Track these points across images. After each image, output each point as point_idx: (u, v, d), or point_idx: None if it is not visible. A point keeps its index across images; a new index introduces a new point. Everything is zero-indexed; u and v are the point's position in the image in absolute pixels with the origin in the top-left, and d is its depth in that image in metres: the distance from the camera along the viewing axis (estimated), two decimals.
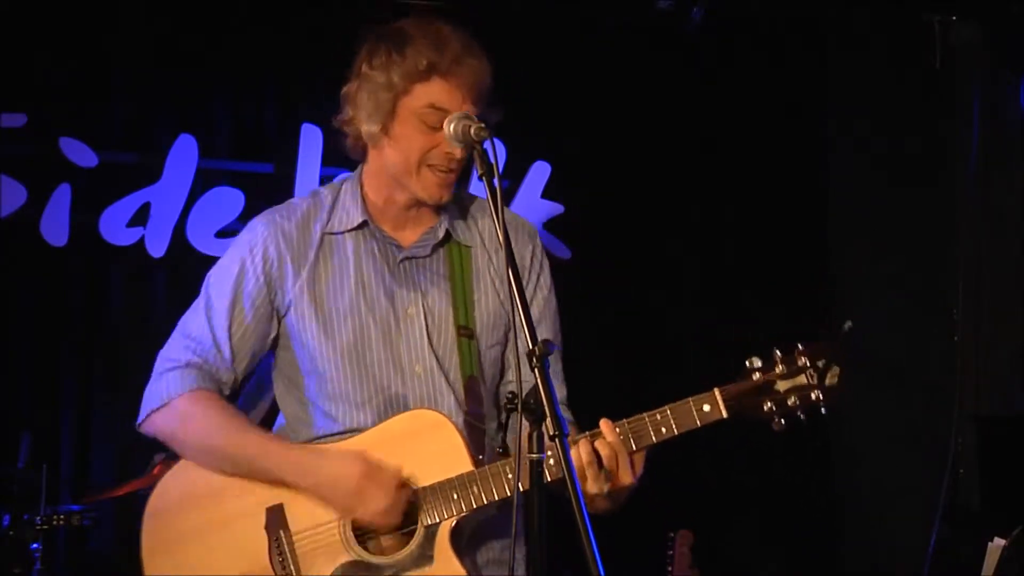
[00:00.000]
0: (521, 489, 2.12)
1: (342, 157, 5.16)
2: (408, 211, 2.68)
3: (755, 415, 2.48)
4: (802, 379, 2.49)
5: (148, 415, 2.69)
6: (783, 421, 2.48)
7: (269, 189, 5.12)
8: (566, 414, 2.69)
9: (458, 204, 2.75)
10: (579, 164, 5.35)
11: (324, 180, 5.12)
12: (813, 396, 2.49)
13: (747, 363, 2.52)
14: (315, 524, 2.54)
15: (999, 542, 3.34)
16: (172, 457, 4.03)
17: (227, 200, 5.06)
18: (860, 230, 5.52)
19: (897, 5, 5.22)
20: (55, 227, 4.86)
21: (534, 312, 2.70)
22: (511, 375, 2.70)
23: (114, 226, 4.93)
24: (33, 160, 4.86)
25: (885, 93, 5.42)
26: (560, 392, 2.74)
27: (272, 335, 2.68)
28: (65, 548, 4.72)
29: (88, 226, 4.90)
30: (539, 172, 5.32)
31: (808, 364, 2.50)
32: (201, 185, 5.03)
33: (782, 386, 2.49)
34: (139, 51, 4.96)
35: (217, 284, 2.69)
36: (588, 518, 2.05)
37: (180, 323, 2.71)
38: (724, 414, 2.49)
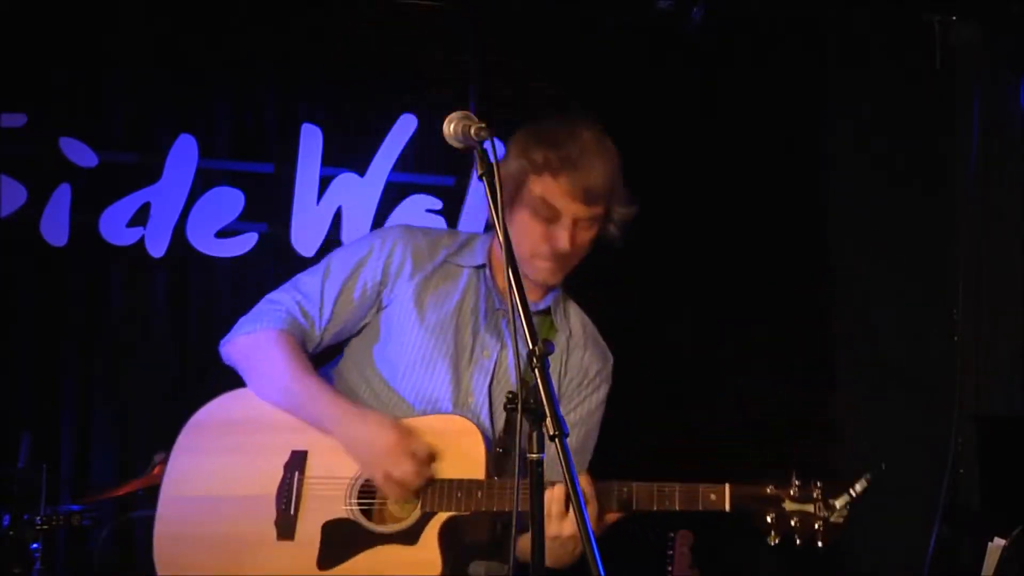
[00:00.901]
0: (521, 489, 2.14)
1: (342, 157, 5.23)
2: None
3: (755, 521, 2.62)
4: (810, 507, 2.61)
5: (235, 337, 2.90)
6: (779, 538, 2.63)
7: (269, 189, 5.13)
8: None
9: (571, 296, 3.01)
10: None
11: (324, 180, 5.13)
12: (815, 526, 2.61)
13: (765, 478, 2.65)
14: (329, 475, 2.73)
15: (999, 542, 3.34)
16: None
17: (227, 200, 5.06)
18: (860, 230, 5.51)
19: (897, 5, 5.22)
20: (55, 227, 4.86)
21: (574, 417, 2.90)
22: None
23: (114, 226, 4.93)
24: (33, 160, 4.87)
25: (885, 93, 5.42)
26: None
27: (365, 321, 2.92)
28: (65, 548, 4.72)
29: (88, 226, 4.91)
30: None
31: (819, 497, 2.61)
32: (201, 185, 5.03)
33: (789, 506, 2.61)
34: (139, 51, 4.97)
35: (341, 256, 2.95)
36: (588, 518, 2.05)
37: (295, 278, 2.96)
38: (727, 508, 2.61)
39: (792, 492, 2.61)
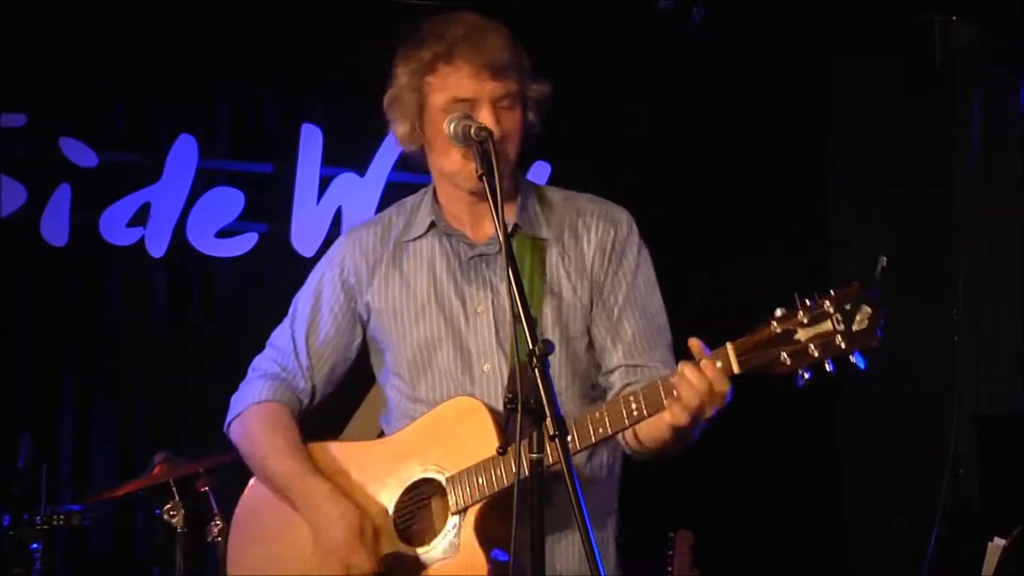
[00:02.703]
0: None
1: (342, 157, 5.23)
2: (476, 207, 2.61)
3: (772, 368, 2.19)
4: (827, 325, 2.17)
5: (230, 423, 2.78)
6: (805, 374, 2.17)
7: (269, 189, 5.13)
8: None
9: (535, 194, 2.71)
10: (579, 164, 5.35)
11: (324, 180, 5.13)
12: (838, 342, 2.15)
13: (770, 315, 2.23)
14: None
15: (999, 542, 3.34)
16: (172, 457, 4.08)
17: (227, 200, 5.06)
18: (860, 230, 5.52)
19: (897, 5, 5.22)
20: (55, 227, 4.86)
21: (620, 298, 2.62)
22: (609, 361, 2.61)
23: (114, 226, 4.93)
24: (33, 160, 4.87)
25: (885, 93, 5.42)
26: (665, 368, 2.57)
27: (356, 342, 2.73)
28: (65, 548, 4.72)
29: (88, 226, 4.91)
30: (539, 172, 5.32)
31: (834, 309, 2.17)
32: (201, 185, 5.03)
33: (803, 335, 2.17)
34: (139, 51, 4.97)
35: (302, 297, 2.77)
36: (588, 518, 2.05)
37: (272, 334, 2.81)
38: (736, 369, 2.23)
39: (802, 317, 2.17)
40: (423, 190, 2.74)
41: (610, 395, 2.60)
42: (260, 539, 2.73)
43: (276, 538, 2.69)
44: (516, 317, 2.18)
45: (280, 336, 2.77)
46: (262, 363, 2.78)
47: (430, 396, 2.62)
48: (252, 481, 2.78)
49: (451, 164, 2.54)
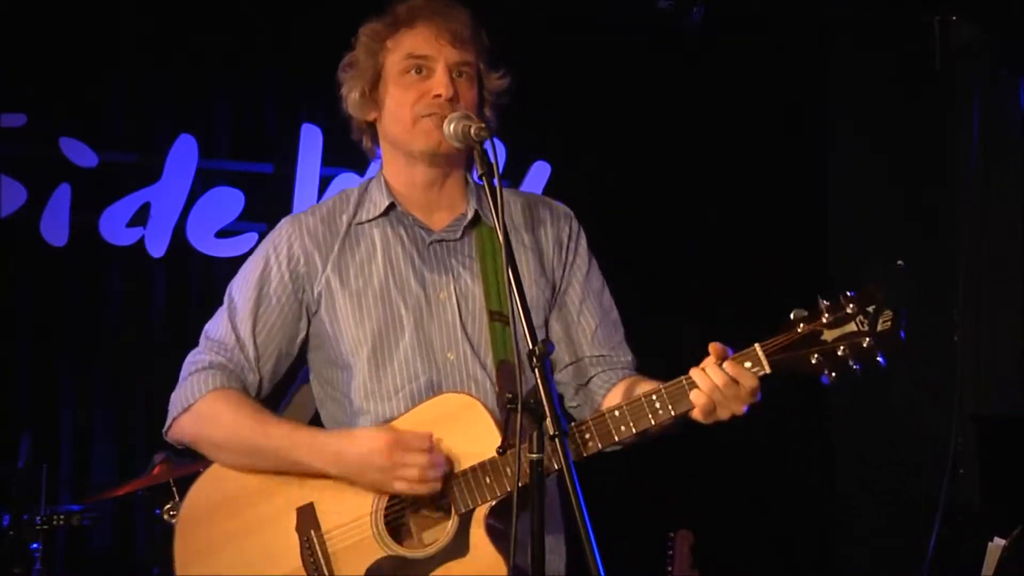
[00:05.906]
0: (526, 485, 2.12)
1: (342, 157, 5.23)
2: (431, 191, 2.58)
3: (802, 369, 2.28)
4: (851, 327, 2.27)
5: (174, 420, 2.57)
6: (834, 374, 2.26)
7: (269, 189, 5.14)
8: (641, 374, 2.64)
9: (487, 187, 2.61)
10: (579, 164, 5.35)
11: (324, 180, 5.13)
12: (864, 344, 2.25)
13: (791, 315, 2.30)
14: (346, 521, 2.45)
15: (999, 542, 3.34)
16: (172, 457, 4.08)
17: (227, 200, 5.07)
18: (860, 230, 5.52)
19: (897, 5, 5.22)
20: (55, 227, 4.87)
21: (579, 289, 2.64)
22: (573, 352, 2.62)
23: (114, 226, 4.94)
24: (33, 160, 4.87)
25: (885, 93, 5.42)
26: (628, 357, 2.69)
27: (301, 336, 2.59)
28: (65, 548, 4.73)
29: (88, 226, 4.91)
30: (539, 172, 5.33)
31: (857, 310, 2.27)
32: (201, 185, 5.04)
33: (829, 336, 2.27)
34: (139, 51, 4.97)
35: (240, 285, 2.62)
36: (588, 518, 2.05)
37: (204, 330, 2.64)
38: (767, 369, 2.29)
39: (826, 319, 2.26)
40: (366, 181, 2.66)
41: (576, 384, 2.59)
42: (212, 549, 2.50)
43: (232, 546, 2.48)
44: (515, 317, 2.18)
45: (219, 329, 2.59)
46: (202, 357, 2.58)
47: (390, 386, 2.51)
48: (202, 479, 2.54)
49: (403, 127, 2.52)
